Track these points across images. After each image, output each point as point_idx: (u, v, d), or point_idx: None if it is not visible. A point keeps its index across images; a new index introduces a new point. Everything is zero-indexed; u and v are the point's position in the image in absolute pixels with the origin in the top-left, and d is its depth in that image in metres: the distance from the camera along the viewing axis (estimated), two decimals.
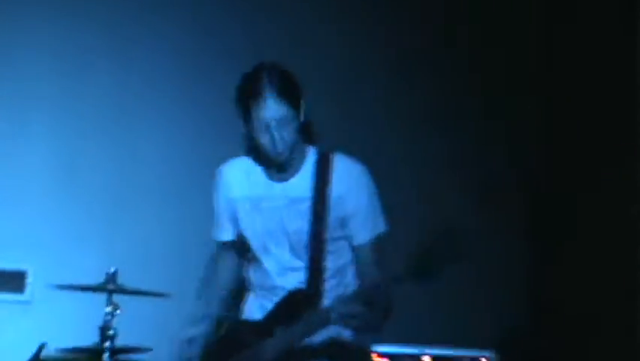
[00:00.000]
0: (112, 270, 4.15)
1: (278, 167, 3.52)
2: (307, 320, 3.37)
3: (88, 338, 4.28)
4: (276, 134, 3.40)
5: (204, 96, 5.32)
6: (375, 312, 3.25)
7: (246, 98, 3.43)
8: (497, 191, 5.47)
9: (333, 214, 3.48)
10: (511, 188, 5.51)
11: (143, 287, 4.33)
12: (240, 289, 3.76)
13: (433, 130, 5.51)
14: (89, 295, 4.37)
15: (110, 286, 4.16)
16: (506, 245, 5.47)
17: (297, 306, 3.43)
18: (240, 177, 3.63)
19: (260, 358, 3.42)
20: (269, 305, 3.54)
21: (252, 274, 3.66)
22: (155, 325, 4.91)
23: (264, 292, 3.59)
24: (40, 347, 4.11)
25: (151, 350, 4.51)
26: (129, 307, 4.29)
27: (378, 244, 3.53)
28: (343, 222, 3.49)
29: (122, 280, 4.29)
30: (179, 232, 5.21)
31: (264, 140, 3.43)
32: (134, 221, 5.19)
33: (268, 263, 3.56)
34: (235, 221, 3.64)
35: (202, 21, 5.37)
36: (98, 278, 4.33)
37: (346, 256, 3.54)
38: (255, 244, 3.59)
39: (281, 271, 3.53)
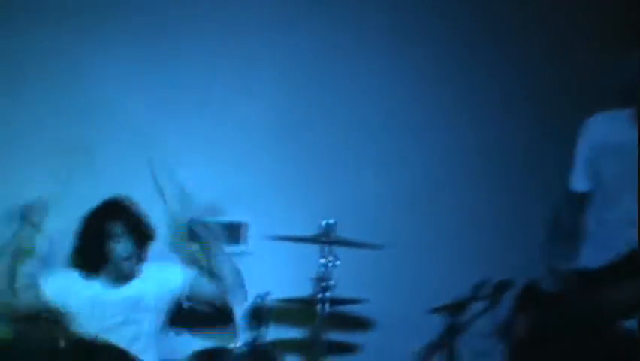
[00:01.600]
0: (329, 222, 4.21)
1: None
2: None
3: (305, 288, 4.38)
4: None
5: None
6: None
7: None
8: None
9: None
10: None
11: (358, 239, 4.38)
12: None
13: None
14: (307, 246, 4.47)
15: (326, 238, 4.22)
16: None
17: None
18: (606, 126, 3.64)
19: (603, 308, 3.38)
20: (608, 256, 3.47)
21: (595, 225, 3.64)
22: (370, 276, 4.99)
23: (606, 244, 3.53)
24: (261, 296, 4.22)
25: (367, 301, 4.59)
26: (345, 259, 4.37)
27: None
28: None
29: (338, 232, 4.37)
30: (392, 184, 5.25)
31: None
32: (348, 174, 5.26)
33: (616, 214, 3.52)
34: (593, 171, 3.65)
35: None
36: (314, 230, 4.43)
37: None
38: (608, 192, 3.58)
39: (630, 223, 3.46)
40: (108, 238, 4.40)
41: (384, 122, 5.35)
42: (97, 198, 4.59)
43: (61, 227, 4.72)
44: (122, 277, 4.45)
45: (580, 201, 3.68)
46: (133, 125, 5.14)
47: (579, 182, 3.70)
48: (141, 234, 4.48)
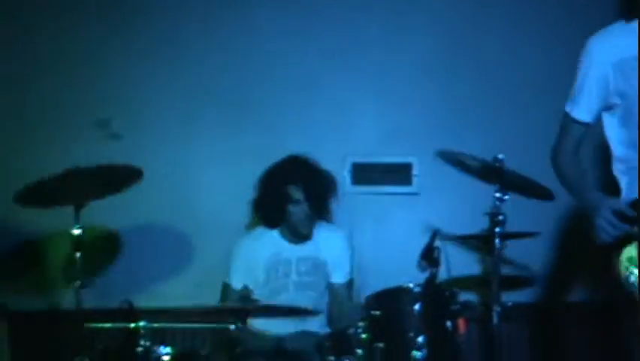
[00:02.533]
0: (498, 156, 4.13)
1: None
2: None
3: (476, 224, 4.34)
4: None
5: None
6: None
7: None
8: None
9: None
10: None
11: (525, 172, 4.29)
12: None
13: None
14: (474, 182, 4.41)
15: (496, 172, 4.14)
16: None
17: None
18: (622, 39, 3.33)
19: None
20: None
21: (626, 148, 3.41)
22: (540, 209, 4.90)
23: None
24: (434, 234, 4.21)
25: (538, 234, 4.52)
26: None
27: None
28: None
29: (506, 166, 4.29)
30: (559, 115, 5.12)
31: None
32: (513, 108, 5.18)
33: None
34: (614, 90, 3.38)
35: None
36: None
37: None
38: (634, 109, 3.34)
39: None
40: (288, 201, 4.51)
41: (550, 57, 5.22)
42: (266, 151, 4.74)
43: (238, 180, 4.86)
44: (298, 237, 4.59)
45: (582, 133, 3.47)
46: (295, 76, 5.22)
47: (586, 111, 3.44)
48: (320, 196, 4.57)
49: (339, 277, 4.63)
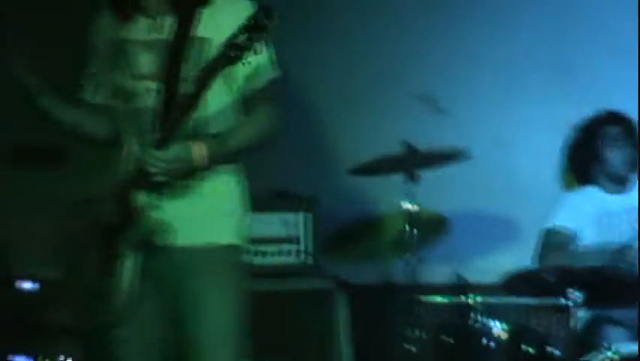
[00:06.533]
0: None
1: None
2: None
3: None
4: None
5: None
6: None
7: None
8: None
9: None
10: None
11: None
12: None
13: None
14: None
15: None
16: None
17: None
18: None
19: None
20: None
21: None
22: None
23: None
24: None
25: None
26: None
27: None
28: None
29: None
30: None
31: None
32: None
33: None
34: None
35: None
36: None
37: None
38: None
39: None
40: (603, 142, 4.45)
41: None
42: (578, 116, 4.63)
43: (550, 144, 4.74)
44: (617, 182, 4.45)
45: None
46: (613, 42, 5.02)
47: None
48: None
49: None
